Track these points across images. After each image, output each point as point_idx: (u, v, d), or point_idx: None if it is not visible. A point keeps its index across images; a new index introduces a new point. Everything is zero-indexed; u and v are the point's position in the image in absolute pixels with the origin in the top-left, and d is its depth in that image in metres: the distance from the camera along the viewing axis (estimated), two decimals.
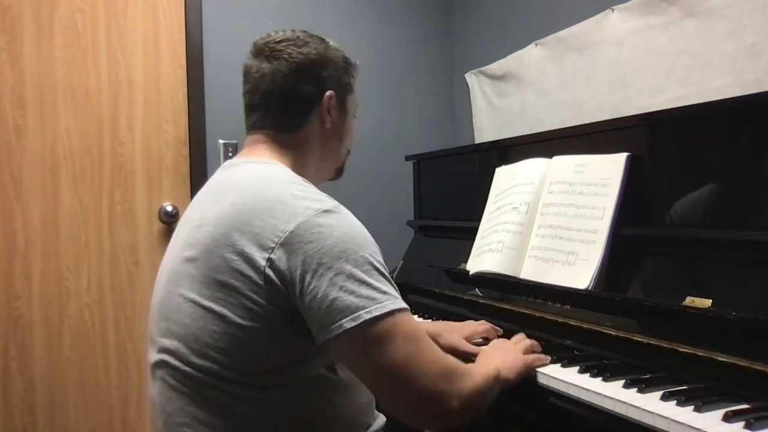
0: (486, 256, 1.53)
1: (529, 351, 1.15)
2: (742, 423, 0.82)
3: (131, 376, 2.17)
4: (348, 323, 0.86)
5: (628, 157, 1.28)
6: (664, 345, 1.05)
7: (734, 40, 1.50)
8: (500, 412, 1.25)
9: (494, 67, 2.43)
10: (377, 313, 0.86)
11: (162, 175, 2.22)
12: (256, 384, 0.93)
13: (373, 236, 0.96)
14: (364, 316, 0.86)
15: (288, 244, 0.89)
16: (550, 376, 1.08)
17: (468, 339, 1.31)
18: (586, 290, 1.24)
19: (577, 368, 1.09)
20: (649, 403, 0.90)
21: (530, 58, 2.22)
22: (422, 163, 2.23)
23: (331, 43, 1.14)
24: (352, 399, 1.02)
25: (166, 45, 2.22)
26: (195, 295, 0.94)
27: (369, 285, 0.88)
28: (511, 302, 1.47)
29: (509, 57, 2.32)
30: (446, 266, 1.77)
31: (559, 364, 1.13)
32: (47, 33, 2.06)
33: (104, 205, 2.14)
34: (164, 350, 0.98)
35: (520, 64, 2.27)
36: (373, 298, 0.87)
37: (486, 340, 1.32)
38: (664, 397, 0.91)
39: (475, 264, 1.57)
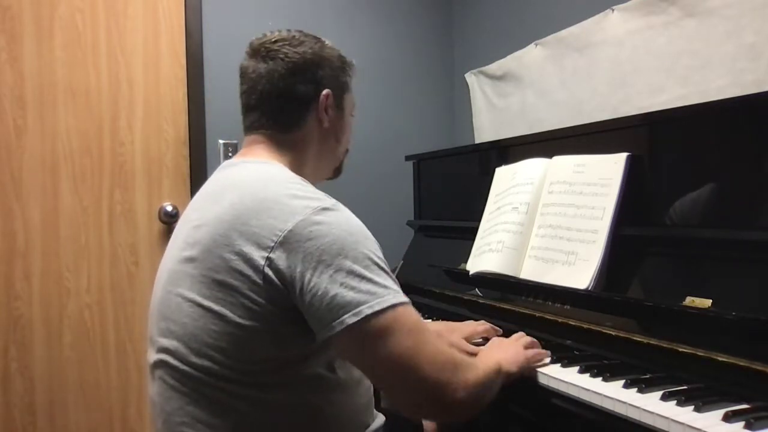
0: (486, 256, 1.53)
1: (529, 347, 1.16)
2: (742, 423, 0.82)
3: (131, 376, 2.17)
4: (350, 318, 0.86)
5: (628, 157, 1.28)
6: (664, 345, 1.05)
7: (734, 40, 1.50)
8: (500, 412, 1.25)
9: (494, 67, 2.43)
10: (378, 308, 0.87)
11: (162, 175, 2.22)
12: (255, 383, 0.93)
13: (373, 236, 0.96)
14: (366, 311, 0.86)
15: (287, 243, 0.89)
16: (550, 376, 1.08)
17: (468, 339, 1.31)
18: (586, 290, 1.24)
19: (577, 368, 1.09)
20: (649, 403, 0.90)
21: (530, 58, 2.22)
22: (422, 163, 2.23)
23: (327, 43, 1.14)
24: (351, 398, 1.03)
25: (166, 45, 2.22)
26: (194, 294, 0.94)
27: (369, 280, 0.88)
28: (511, 302, 1.47)
29: (509, 57, 2.32)
30: (446, 266, 1.77)
31: (559, 364, 1.13)
32: (47, 33, 2.06)
33: (104, 205, 2.14)
34: (163, 350, 0.98)
35: (520, 64, 2.27)
36: (373, 293, 0.87)
37: (486, 340, 1.32)
38: (664, 397, 0.91)
39: (475, 264, 1.57)
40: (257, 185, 0.97)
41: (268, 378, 0.93)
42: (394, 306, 0.88)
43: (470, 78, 2.59)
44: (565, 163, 1.43)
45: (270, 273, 0.89)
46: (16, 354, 2.02)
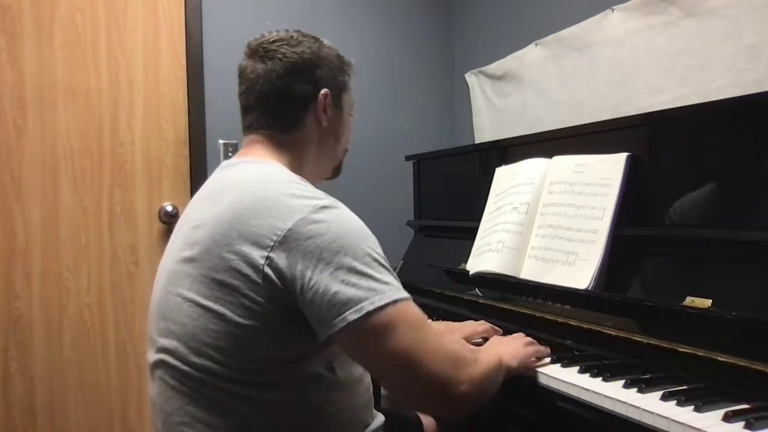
0: (486, 256, 1.53)
1: (527, 344, 1.16)
2: (742, 423, 0.82)
3: (131, 376, 2.17)
4: (352, 315, 0.86)
5: (628, 157, 1.28)
6: (664, 345, 1.05)
7: (734, 40, 1.50)
8: (500, 412, 1.25)
9: (494, 67, 2.43)
10: (380, 303, 0.87)
11: (162, 175, 2.22)
12: (255, 383, 0.93)
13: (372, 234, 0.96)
14: (367, 307, 0.86)
15: (286, 242, 0.89)
16: (550, 376, 1.08)
17: (468, 339, 1.31)
18: (586, 290, 1.24)
19: (577, 368, 1.09)
20: (649, 403, 0.90)
21: (530, 58, 2.22)
22: (422, 163, 2.23)
23: (324, 42, 1.14)
24: (351, 398, 1.03)
25: (166, 45, 2.22)
26: (194, 294, 0.94)
27: (370, 277, 0.88)
28: (511, 302, 1.47)
29: (509, 57, 2.32)
30: (446, 266, 1.77)
31: (559, 364, 1.13)
32: (47, 33, 2.06)
33: (104, 205, 2.14)
34: (163, 350, 0.98)
35: (520, 64, 2.28)
36: (374, 289, 0.88)
37: (486, 341, 1.32)
38: (664, 397, 0.91)
39: (475, 264, 1.57)
40: (257, 185, 0.98)
41: (267, 377, 0.93)
42: (395, 302, 0.88)
43: (470, 78, 2.59)
44: (565, 163, 1.43)
45: (270, 272, 0.89)
46: (16, 354, 2.02)
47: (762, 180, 1.08)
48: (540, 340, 1.21)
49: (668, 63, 1.67)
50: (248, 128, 1.12)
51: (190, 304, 0.94)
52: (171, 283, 0.99)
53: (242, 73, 1.11)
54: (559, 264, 1.33)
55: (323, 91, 1.10)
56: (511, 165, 1.63)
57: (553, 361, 1.15)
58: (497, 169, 1.69)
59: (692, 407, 0.88)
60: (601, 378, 1.03)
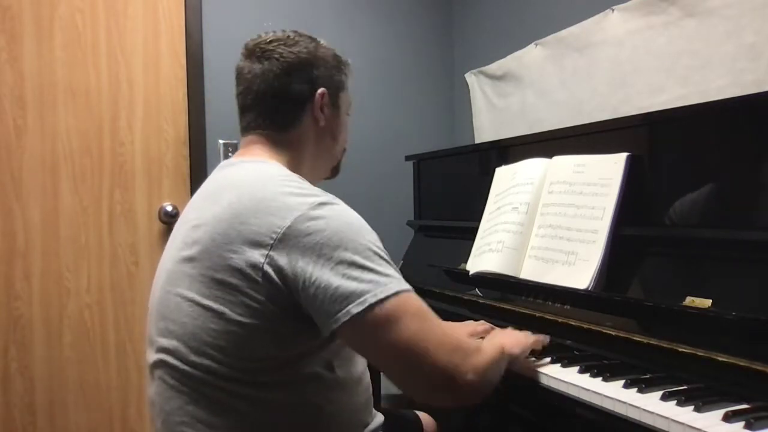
0: (486, 256, 1.53)
1: (528, 336, 1.18)
2: (742, 423, 0.82)
3: (131, 376, 2.17)
4: (355, 308, 0.86)
5: (628, 157, 1.28)
6: (664, 345, 1.05)
7: (734, 40, 1.50)
8: (500, 412, 1.25)
9: (494, 67, 2.43)
10: (382, 296, 0.87)
11: (162, 175, 2.22)
12: (254, 382, 0.93)
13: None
14: (370, 299, 0.86)
15: (286, 239, 0.89)
16: (550, 376, 1.08)
17: None
18: (586, 290, 1.24)
19: (577, 368, 1.09)
20: (649, 403, 0.90)
21: (530, 58, 2.22)
22: (422, 163, 2.23)
23: (321, 42, 1.15)
24: (351, 397, 1.03)
25: (166, 45, 2.22)
26: (194, 294, 0.94)
27: (371, 270, 0.89)
28: (511, 302, 1.47)
29: (509, 57, 2.32)
30: (446, 266, 1.77)
31: (559, 364, 1.13)
32: (47, 33, 2.06)
33: (104, 205, 2.14)
34: (163, 350, 0.98)
35: (520, 64, 2.27)
36: (376, 282, 0.88)
37: None
38: (664, 397, 0.91)
39: (475, 264, 1.57)
40: (255, 184, 0.98)
41: (267, 377, 0.93)
42: (397, 293, 0.88)
43: (470, 78, 2.59)
44: (565, 163, 1.43)
45: (270, 271, 0.89)
46: (16, 354, 2.02)
47: (762, 180, 1.08)
48: None
49: (668, 63, 1.67)
50: (246, 128, 1.12)
51: (189, 304, 0.94)
52: (170, 283, 0.99)
53: (239, 74, 1.12)
54: (559, 264, 1.33)
55: (320, 90, 1.11)
56: (511, 165, 1.63)
57: (553, 361, 1.15)
58: (497, 169, 1.69)
59: (692, 407, 0.88)
60: (601, 378, 1.03)
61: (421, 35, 2.70)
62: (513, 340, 1.11)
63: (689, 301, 1.06)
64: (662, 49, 1.69)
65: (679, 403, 0.89)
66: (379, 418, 1.11)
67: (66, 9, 2.08)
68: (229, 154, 2.25)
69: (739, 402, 0.89)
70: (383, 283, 0.88)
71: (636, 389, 0.97)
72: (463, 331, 1.34)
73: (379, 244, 0.94)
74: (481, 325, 1.37)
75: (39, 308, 2.05)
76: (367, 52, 2.56)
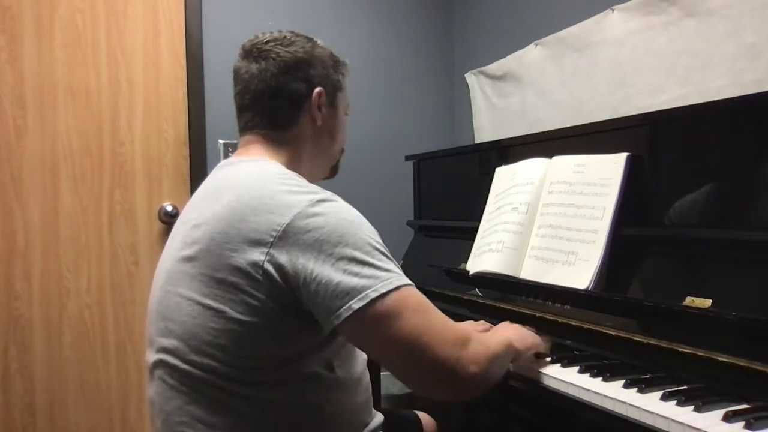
0: (486, 256, 1.53)
1: (533, 335, 1.17)
2: (742, 423, 0.82)
3: (131, 376, 2.17)
4: (356, 304, 0.86)
5: (628, 157, 1.27)
6: (664, 345, 1.05)
7: (734, 40, 1.50)
8: (500, 412, 1.25)
9: (494, 67, 2.43)
10: (384, 290, 0.87)
11: (162, 175, 2.22)
12: (254, 382, 0.93)
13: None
14: (371, 294, 0.86)
15: (286, 237, 0.89)
16: (550, 376, 1.08)
17: None
18: (586, 290, 1.24)
19: (577, 368, 1.09)
20: (649, 403, 0.90)
21: (530, 58, 2.22)
22: (422, 163, 2.23)
23: (318, 42, 1.15)
24: (350, 397, 1.03)
25: (166, 45, 2.22)
26: (193, 293, 0.94)
27: (372, 265, 0.89)
28: (511, 302, 1.47)
29: (509, 57, 2.32)
30: (446, 266, 1.77)
31: (559, 364, 1.13)
32: (47, 33, 2.06)
33: (104, 205, 2.14)
34: (163, 350, 0.98)
35: (520, 64, 2.27)
36: (377, 277, 0.88)
37: None
38: (664, 397, 0.91)
39: (475, 264, 1.57)
40: (254, 183, 0.98)
41: (267, 376, 0.93)
42: (398, 288, 0.89)
43: (470, 78, 2.59)
44: (565, 163, 1.43)
45: (270, 269, 0.89)
46: (16, 354, 2.02)
47: (762, 180, 1.08)
48: None
49: (668, 63, 1.67)
50: (244, 128, 1.13)
51: (189, 303, 0.94)
52: (170, 283, 0.99)
53: (237, 74, 1.12)
54: (559, 264, 1.33)
55: (317, 89, 1.11)
56: (511, 165, 1.63)
57: (553, 361, 1.14)
58: (497, 169, 1.69)
59: (692, 407, 0.87)
60: (601, 378, 1.03)
61: (421, 35, 2.70)
62: (519, 335, 1.11)
63: (689, 301, 1.06)
64: (662, 49, 1.69)
65: (679, 403, 0.89)
66: (378, 418, 1.11)
67: (66, 9, 2.08)
68: (229, 154, 2.25)
69: (739, 402, 0.89)
70: (384, 277, 0.88)
71: (636, 389, 0.97)
72: None
73: (379, 240, 0.94)
74: (481, 325, 1.37)
75: (39, 308, 2.05)
76: (367, 52, 2.56)
